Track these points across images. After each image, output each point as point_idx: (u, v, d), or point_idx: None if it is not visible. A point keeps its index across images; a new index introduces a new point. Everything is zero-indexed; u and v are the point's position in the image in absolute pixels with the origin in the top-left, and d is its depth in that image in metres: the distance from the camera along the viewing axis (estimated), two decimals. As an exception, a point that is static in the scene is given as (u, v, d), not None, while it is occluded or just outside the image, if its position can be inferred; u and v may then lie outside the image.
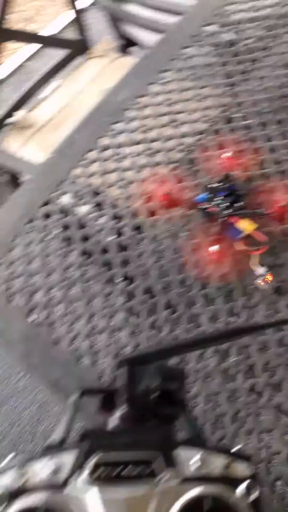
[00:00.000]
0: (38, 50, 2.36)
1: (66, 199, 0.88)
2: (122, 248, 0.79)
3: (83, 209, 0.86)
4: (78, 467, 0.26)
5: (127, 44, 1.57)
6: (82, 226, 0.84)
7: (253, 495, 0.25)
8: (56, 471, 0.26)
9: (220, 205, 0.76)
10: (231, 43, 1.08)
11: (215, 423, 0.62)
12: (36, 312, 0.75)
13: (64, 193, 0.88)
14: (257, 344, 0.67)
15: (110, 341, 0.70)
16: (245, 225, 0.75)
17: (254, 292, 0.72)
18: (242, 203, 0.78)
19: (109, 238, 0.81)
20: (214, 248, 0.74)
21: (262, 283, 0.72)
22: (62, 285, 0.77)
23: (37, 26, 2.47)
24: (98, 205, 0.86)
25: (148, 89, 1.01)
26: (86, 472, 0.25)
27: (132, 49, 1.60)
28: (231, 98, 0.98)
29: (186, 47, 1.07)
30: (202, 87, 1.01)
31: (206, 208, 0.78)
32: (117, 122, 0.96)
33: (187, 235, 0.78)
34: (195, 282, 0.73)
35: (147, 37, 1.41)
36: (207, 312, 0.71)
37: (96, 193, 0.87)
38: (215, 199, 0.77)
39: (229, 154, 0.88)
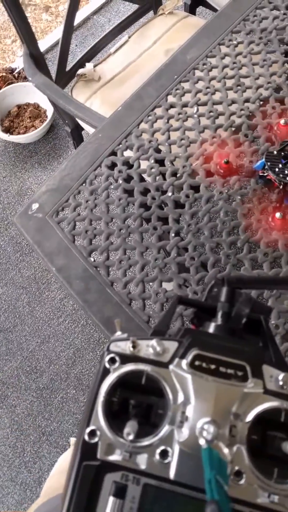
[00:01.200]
0: (104, 4, 2.10)
1: (130, 152, 0.77)
2: (178, 205, 0.70)
3: (145, 164, 0.76)
4: (179, 355, 0.25)
5: (195, 3, 1.34)
6: (142, 179, 0.74)
7: None
8: (161, 352, 0.25)
9: (281, 173, 0.64)
10: (304, 8, 0.88)
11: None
12: (96, 254, 0.69)
13: (130, 146, 0.78)
14: (297, 311, 0.59)
15: (159, 290, 0.64)
16: None
17: (300, 261, 0.62)
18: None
19: (167, 194, 0.71)
20: (278, 214, 0.64)
21: None
22: (121, 233, 0.69)
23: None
24: (160, 161, 0.75)
25: (218, 50, 0.85)
26: (186, 361, 0.25)
27: (199, 9, 1.38)
28: (297, 66, 0.82)
29: (260, 8, 0.88)
30: (271, 52, 0.84)
31: (265, 175, 0.66)
32: (185, 81, 0.82)
33: (246, 201, 0.67)
34: (244, 245, 0.64)
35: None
36: (252, 275, 0.62)
37: (159, 150, 0.76)
38: (277, 166, 0.65)
39: (289, 122, 0.75)
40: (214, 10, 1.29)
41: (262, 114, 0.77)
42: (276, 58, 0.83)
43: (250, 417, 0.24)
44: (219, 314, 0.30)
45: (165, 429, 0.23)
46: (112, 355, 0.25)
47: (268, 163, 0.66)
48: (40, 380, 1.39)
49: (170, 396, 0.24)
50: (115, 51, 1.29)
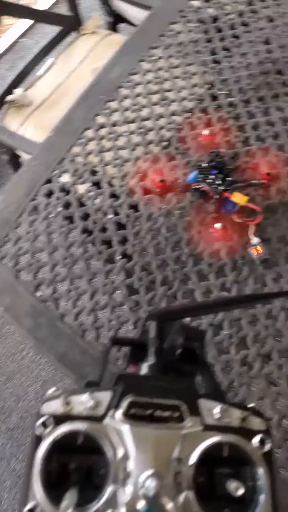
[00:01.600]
0: (30, 28, 2.00)
1: (66, 178, 0.72)
2: (121, 226, 0.65)
3: (82, 188, 0.70)
4: (114, 405, 0.23)
5: (116, 20, 1.30)
6: (82, 204, 0.69)
7: (267, 447, 0.22)
8: (95, 406, 0.23)
9: (214, 183, 0.62)
10: (214, 19, 0.87)
11: (211, 392, 0.52)
12: (42, 287, 0.63)
13: (64, 171, 0.72)
14: (247, 317, 0.56)
15: (112, 316, 0.59)
16: (239, 198, 0.61)
17: (243, 267, 0.60)
18: (231, 178, 0.64)
19: (107, 217, 0.66)
20: (218, 225, 0.61)
21: (254, 253, 0.60)
22: (66, 262, 0.64)
23: (28, 1, 2.06)
24: (96, 184, 0.70)
25: (139, 66, 0.81)
26: (120, 411, 0.23)
27: (121, 25, 1.33)
28: (216, 75, 0.80)
29: (174, 22, 0.86)
30: (189, 64, 0.82)
31: (199, 188, 0.63)
32: (111, 100, 0.77)
33: (185, 215, 0.64)
34: (189, 258, 0.61)
35: (136, 13, 1.16)
36: (201, 288, 0.59)
37: (94, 172, 0.71)
38: (208, 177, 0.62)
39: (215, 131, 0.72)
40: (135, 26, 1.25)
41: (189, 126, 0.74)
42: (195, 70, 0.81)
43: (193, 459, 0.22)
44: (151, 352, 0.28)
45: (109, 490, 0.21)
46: (43, 418, 0.22)
47: (201, 176, 0.63)
48: (10, 420, 1.28)
49: (109, 452, 0.22)
50: (43, 73, 1.22)
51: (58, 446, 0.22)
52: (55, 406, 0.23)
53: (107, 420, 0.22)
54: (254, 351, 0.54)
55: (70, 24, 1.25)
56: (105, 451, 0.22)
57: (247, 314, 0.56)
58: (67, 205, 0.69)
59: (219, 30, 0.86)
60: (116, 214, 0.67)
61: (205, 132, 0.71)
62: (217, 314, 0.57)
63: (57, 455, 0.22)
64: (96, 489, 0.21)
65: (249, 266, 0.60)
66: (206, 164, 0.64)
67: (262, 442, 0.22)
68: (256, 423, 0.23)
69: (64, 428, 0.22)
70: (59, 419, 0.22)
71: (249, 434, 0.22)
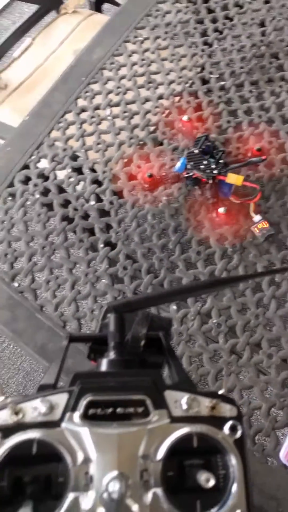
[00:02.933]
0: (6, 6, 2.10)
1: (44, 163, 0.79)
2: (103, 213, 0.72)
3: (62, 174, 0.77)
4: (70, 408, 0.24)
5: (99, 0, 1.40)
6: (61, 191, 0.76)
7: (238, 433, 0.24)
8: (49, 410, 0.24)
9: (209, 168, 0.69)
10: (206, -1, 0.96)
11: (199, 382, 0.59)
12: (19, 278, 0.69)
13: (42, 156, 0.79)
14: (237, 305, 0.63)
15: (94, 306, 0.65)
16: (234, 179, 0.68)
17: (233, 255, 0.67)
18: (223, 160, 0.71)
19: (89, 204, 0.73)
20: (221, 209, 0.68)
21: (257, 230, 0.67)
22: (44, 251, 0.70)
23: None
24: (77, 170, 0.77)
25: (124, 47, 0.90)
26: (78, 413, 0.24)
27: (105, 6, 1.44)
28: (206, 58, 0.89)
29: (161, 2, 0.95)
30: (178, 46, 0.91)
31: (191, 175, 0.71)
32: (93, 83, 0.86)
33: (171, 202, 0.72)
34: (176, 246, 0.68)
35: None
36: (188, 276, 0.66)
37: (75, 157, 0.79)
38: (202, 163, 0.70)
39: (204, 116, 0.81)
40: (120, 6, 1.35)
41: (177, 110, 0.82)
42: (184, 52, 0.90)
43: (161, 454, 0.23)
44: (111, 346, 0.30)
45: (69, 498, 0.22)
46: None
47: (191, 163, 0.71)
48: None
49: (68, 458, 0.23)
50: (19, 55, 1.30)
51: (10, 459, 0.23)
52: (3, 417, 0.24)
53: (64, 424, 0.24)
54: (244, 340, 0.61)
55: (50, 2, 1.35)
56: (63, 457, 0.23)
57: (237, 302, 0.63)
58: (45, 192, 0.76)
59: (211, 11, 0.95)
60: (99, 200, 0.74)
61: (183, 118, 0.79)
62: (205, 302, 0.63)
63: (9, 469, 0.23)
64: (56, 499, 0.22)
65: (239, 254, 0.67)
66: (196, 150, 0.71)
67: (233, 428, 0.24)
68: (226, 409, 0.25)
69: (13, 440, 0.23)
70: (7, 431, 0.23)
71: (219, 422, 0.24)
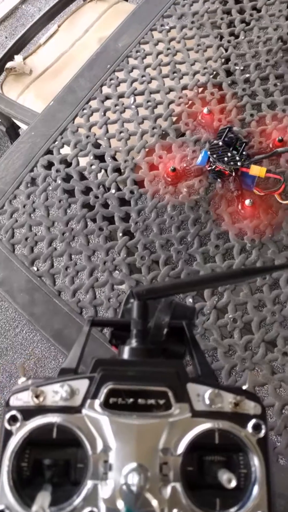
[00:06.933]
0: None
1: (67, 149, 0.74)
2: (124, 202, 0.68)
3: (84, 161, 0.73)
4: (91, 395, 0.23)
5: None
6: (83, 177, 0.72)
7: (262, 433, 0.22)
8: (70, 395, 0.23)
9: (234, 159, 0.64)
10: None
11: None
12: (39, 262, 0.65)
13: (65, 143, 0.74)
14: (253, 301, 0.59)
15: (111, 294, 0.62)
16: (257, 171, 0.63)
17: (251, 250, 0.63)
18: (245, 152, 0.66)
19: (110, 192, 0.69)
20: (247, 202, 0.63)
21: None
22: (64, 237, 0.66)
23: None
24: (99, 157, 0.73)
25: (150, 36, 0.84)
26: (99, 401, 0.23)
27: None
28: (232, 49, 0.83)
29: (189, -9, 0.88)
30: (204, 36, 0.84)
31: (214, 168, 0.66)
32: (119, 71, 0.80)
33: (203, 197, 0.67)
34: (195, 239, 0.64)
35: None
36: (206, 269, 0.62)
37: (97, 145, 0.74)
38: (226, 155, 0.64)
39: (229, 108, 0.75)
40: (146, -6, 1.27)
41: (201, 101, 0.77)
42: (210, 43, 0.83)
43: (181, 448, 0.22)
44: (133, 334, 0.27)
45: (88, 485, 0.21)
46: (12, 412, 0.22)
47: (214, 156, 0.66)
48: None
49: (88, 445, 0.22)
50: (45, 41, 1.24)
51: (30, 441, 0.22)
52: (24, 399, 0.23)
53: (85, 411, 0.22)
54: (259, 336, 0.57)
55: (76, -11, 1.27)
56: (83, 444, 0.22)
57: (254, 298, 0.59)
58: (67, 178, 0.71)
59: (238, 1, 0.88)
60: (119, 189, 0.69)
61: (204, 110, 0.73)
62: (222, 296, 0.59)
63: (29, 451, 0.22)
64: (74, 485, 0.21)
65: (258, 250, 0.63)
66: (220, 143, 0.66)
67: (256, 427, 0.22)
68: (250, 407, 0.23)
69: (34, 423, 0.22)
70: (28, 413, 0.22)
71: (242, 419, 0.22)
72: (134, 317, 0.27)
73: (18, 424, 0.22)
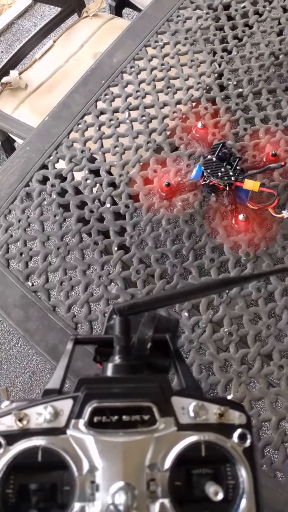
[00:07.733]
0: (28, 8, 2.04)
1: (62, 164, 0.74)
2: (119, 216, 0.68)
3: (79, 175, 0.73)
4: (75, 415, 0.22)
5: (120, 4, 1.34)
6: (78, 192, 0.72)
7: (247, 442, 0.22)
8: (54, 417, 0.22)
9: (227, 174, 0.64)
10: (226, 6, 0.91)
11: (208, 391, 0.55)
12: (33, 277, 0.65)
13: (61, 157, 0.75)
14: (249, 315, 0.59)
15: (106, 309, 0.61)
16: (251, 185, 0.63)
17: (246, 263, 0.63)
18: (239, 167, 0.66)
19: (105, 206, 0.69)
20: (241, 216, 0.63)
21: None
22: (59, 252, 0.66)
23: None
24: (94, 172, 0.73)
25: (144, 52, 0.85)
26: (83, 420, 0.22)
27: (125, 11, 1.38)
28: (225, 65, 0.84)
29: (182, 8, 0.89)
30: (197, 52, 0.85)
31: (208, 182, 0.66)
32: (113, 86, 0.81)
33: (186, 208, 0.67)
34: (190, 252, 0.64)
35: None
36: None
37: (92, 159, 0.74)
38: (220, 169, 0.65)
39: (222, 122, 0.76)
40: (140, 11, 1.29)
41: (195, 116, 0.77)
42: (203, 58, 0.84)
43: (168, 463, 0.21)
44: (116, 350, 0.27)
45: (75, 508, 0.21)
46: None
47: (208, 170, 0.66)
48: None
49: (74, 467, 0.21)
50: (40, 56, 1.25)
51: (15, 466, 0.21)
52: (8, 423, 0.22)
53: (69, 432, 0.22)
54: (255, 350, 0.57)
55: (71, 5, 1.29)
56: (69, 465, 0.21)
57: (249, 312, 0.59)
58: (62, 193, 0.72)
59: (231, 18, 0.90)
60: (114, 203, 0.69)
61: (198, 125, 0.74)
62: (217, 310, 0.59)
63: (14, 477, 0.21)
64: (61, 508, 0.21)
65: (252, 263, 0.63)
66: (214, 158, 0.66)
67: (242, 437, 0.22)
68: (235, 417, 0.23)
69: (18, 447, 0.22)
70: (12, 438, 0.22)
71: (228, 429, 0.22)
72: (117, 333, 0.27)
73: (1, 450, 0.22)
